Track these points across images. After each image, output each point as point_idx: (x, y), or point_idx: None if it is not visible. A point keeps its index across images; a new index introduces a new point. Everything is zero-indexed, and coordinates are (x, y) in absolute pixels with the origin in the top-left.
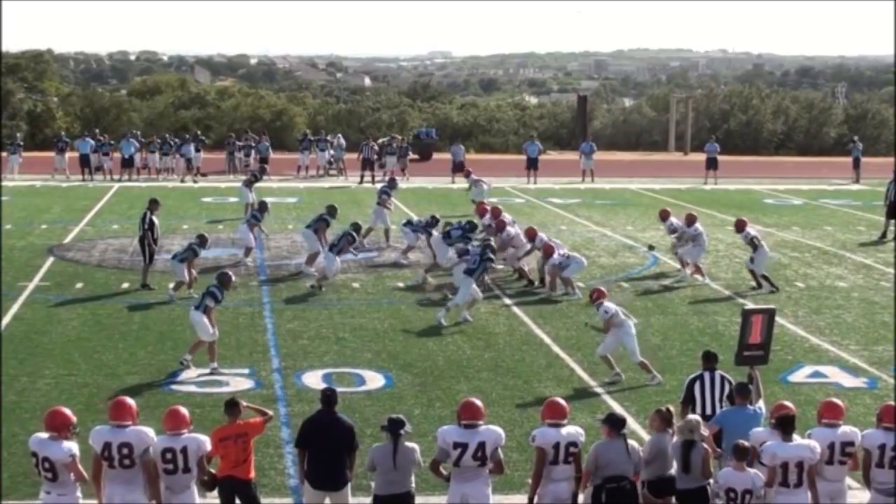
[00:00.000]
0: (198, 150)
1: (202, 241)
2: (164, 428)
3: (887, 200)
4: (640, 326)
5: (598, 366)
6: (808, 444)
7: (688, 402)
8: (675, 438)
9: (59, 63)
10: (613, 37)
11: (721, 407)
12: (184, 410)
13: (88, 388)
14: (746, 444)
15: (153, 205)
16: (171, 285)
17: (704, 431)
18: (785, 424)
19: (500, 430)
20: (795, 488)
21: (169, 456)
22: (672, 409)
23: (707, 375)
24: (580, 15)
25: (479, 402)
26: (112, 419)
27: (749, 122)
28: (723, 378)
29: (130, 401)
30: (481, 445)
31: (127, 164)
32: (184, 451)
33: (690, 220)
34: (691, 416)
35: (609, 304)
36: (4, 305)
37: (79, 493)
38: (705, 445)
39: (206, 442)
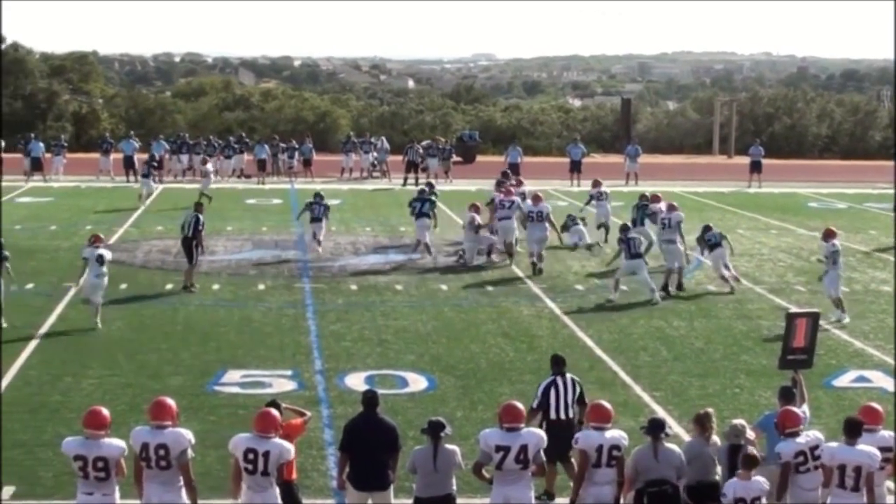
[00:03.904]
0: (241, 152)
1: (200, 207)
2: (253, 428)
3: None
4: (683, 330)
5: (641, 369)
6: (869, 450)
7: (540, 408)
8: (718, 443)
9: (103, 65)
10: (657, 39)
11: (573, 410)
12: (274, 414)
13: (132, 389)
14: (756, 453)
15: (200, 207)
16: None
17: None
18: (850, 428)
19: (541, 432)
20: (852, 492)
21: (251, 457)
22: (711, 412)
23: (560, 380)
24: (621, 16)
25: (520, 405)
26: (152, 419)
27: (793, 126)
28: (573, 381)
29: (170, 401)
30: (523, 448)
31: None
32: (266, 455)
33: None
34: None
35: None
36: (50, 306)
37: (118, 493)
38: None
39: (290, 451)
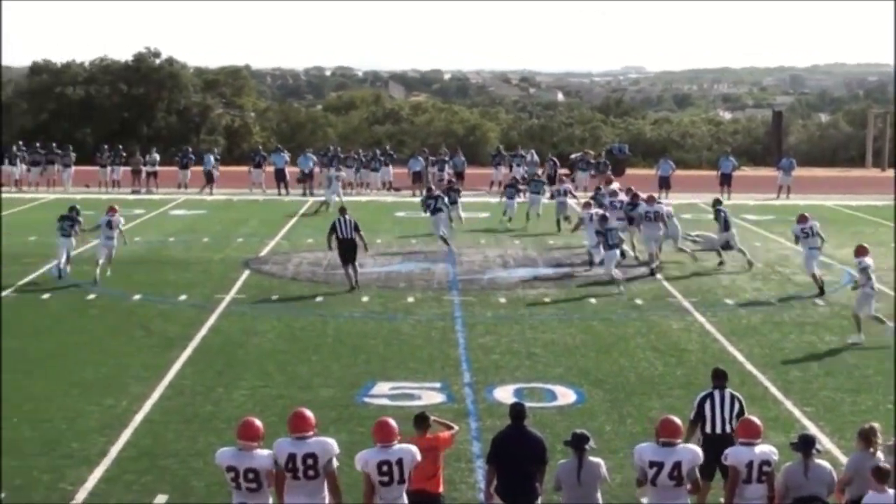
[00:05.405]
0: (387, 165)
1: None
2: (374, 440)
3: None
4: (835, 344)
5: (793, 384)
6: None
7: (697, 421)
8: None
9: (256, 79)
10: (809, 51)
11: (731, 425)
12: (392, 422)
13: (283, 400)
14: (888, 466)
15: (345, 210)
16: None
17: None
18: None
19: (697, 449)
20: None
21: (385, 468)
22: (876, 426)
23: (717, 393)
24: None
25: (677, 421)
26: (293, 431)
27: None
28: (732, 396)
29: (309, 412)
30: (677, 465)
31: (306, 177)
32: (399, 462)
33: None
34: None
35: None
36: (202, 317)
37: (271, 502)
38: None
39: (416, 452)
